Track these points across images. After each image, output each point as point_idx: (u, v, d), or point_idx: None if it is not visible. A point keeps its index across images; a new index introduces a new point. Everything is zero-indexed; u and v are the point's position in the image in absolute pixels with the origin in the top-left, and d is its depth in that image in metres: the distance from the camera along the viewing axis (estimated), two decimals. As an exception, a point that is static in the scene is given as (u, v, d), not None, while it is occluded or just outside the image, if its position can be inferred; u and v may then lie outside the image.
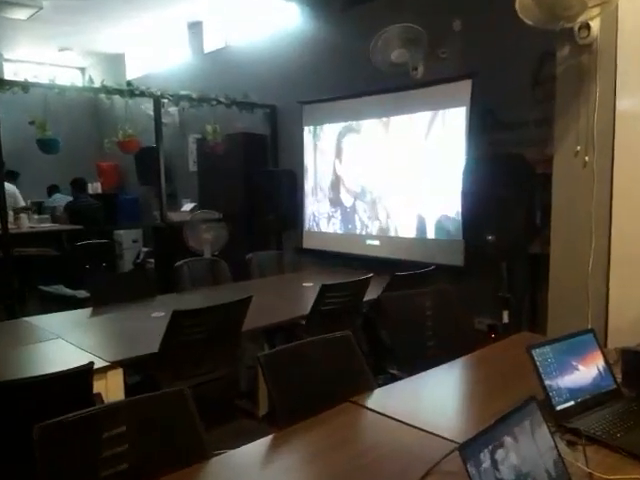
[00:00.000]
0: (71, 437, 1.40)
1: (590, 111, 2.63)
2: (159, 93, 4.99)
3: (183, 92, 5.15)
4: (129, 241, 7.35)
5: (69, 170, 6.86)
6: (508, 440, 1.15)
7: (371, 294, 3.29)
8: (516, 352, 2.07)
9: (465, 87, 3.88)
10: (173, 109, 6.54)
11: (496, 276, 3.46)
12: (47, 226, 5.99)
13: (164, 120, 5.79)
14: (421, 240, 4.30)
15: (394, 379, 2.10)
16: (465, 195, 3.41)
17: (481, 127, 3.92)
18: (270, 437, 1.59)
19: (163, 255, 5.78)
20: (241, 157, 5.78)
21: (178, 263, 3.92)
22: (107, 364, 2.31)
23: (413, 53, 4.08)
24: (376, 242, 4.65)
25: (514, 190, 3.17)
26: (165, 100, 5.17)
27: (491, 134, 3.89)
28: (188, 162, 6.92)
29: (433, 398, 1.87)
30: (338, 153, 4.96)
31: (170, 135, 6.61)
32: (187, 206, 6.52)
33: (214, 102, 5.23)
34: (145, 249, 7.23)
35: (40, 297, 5.08)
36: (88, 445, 1.42)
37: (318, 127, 5.14)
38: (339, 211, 4.98)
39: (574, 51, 2.64)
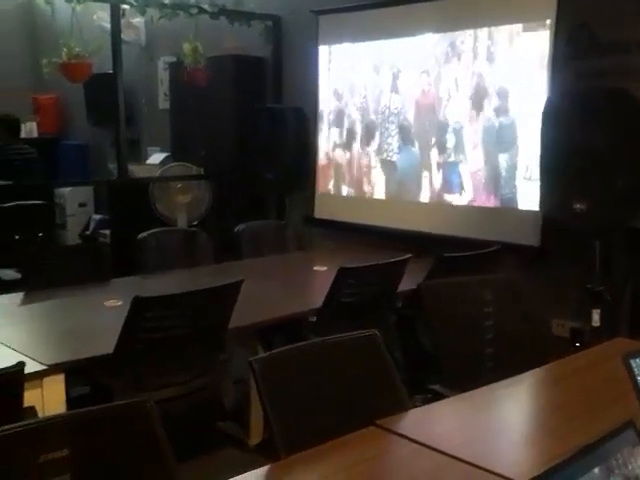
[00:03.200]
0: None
1: None
2: (118, -3, 4.98)
3: (152, -4, 5.13)
4: (75, 205, 7.42)
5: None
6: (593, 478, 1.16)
7: (408, 282, 3.31)
8: (609, 365, 2.07)
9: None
10: (138, 20, 6.52)
11: (586, 261, 3.45)
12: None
13: (125, 37, 5.79)
14: (479, 209, 4.29)
15: (436, 399, 2.12)
16: (546, 147, 3.38)
17: (570, 51, 3.87)
18: (265, 469, 1.62)
19: (121, 224, 5.84)
20: (231, 89, 5.77)
21: (142, 235, 3.96)
22: (44, 368, 2.34)
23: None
24: (415, 210, 4.65)
25: (614, 140, 3.14)
26: (126, 7, 5.15)
27: (583, 61, 3.84)
28: (157, 96, 6.93)
29: (490, 424, 1.89)
30: (369, 84, 4.93)
31: (133, 58, 6.61)
32: (155, 157, 6.55)
33: (195, 10, 5.20)
34: (97, 217, 7.30)
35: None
36: (18, 472, 1.46)
37: (340, 46, 5.11)
38: (366, 167, 4.97)
39: None
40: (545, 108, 3.44)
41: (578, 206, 3.23)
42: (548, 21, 3.87)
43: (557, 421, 1.88)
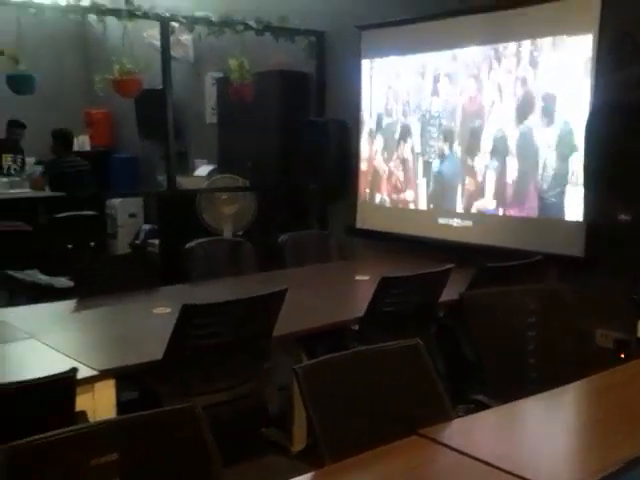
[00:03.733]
0: (50, 463, 1.46)
1: None
2: (168, 15, 5.06)
3: (199, 14, 5.19)
4: (125, 215, 7.54)
5: (48, 117, 7.06)
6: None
7: (450, 292, 3.27)
8: (655, 377, 2.02)
9: (591, 4, 3.80)
10: (186, 37, 6.61)
11: (631, 272, 3.38)
12: (17, 192, 6.18)
13: (174, 53, 5.88)
14: (522, 219, 4.24)
15: (479, 409, 2.09)
16: (589, 157, 3.33)
17: (613, 61, 3.80)
18: (308, 476, 1.61)
19: (170, 234, 5.91)
20: (276, 103, 5.80)
21: (189, 245, 4.00)
22: (95, 374, 2.38)
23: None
24: (456, 221, 4.61)
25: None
26: (175, 25, 5.23)
27: (627, 71, 3.78)
28: (205, 110, 7.01)
29: (533, 435, 1.86)
30: (412, 97, 4.92)
31: (182, 74, 6.70)
32: (202, 169, 6.62)
33: (241, 27, 5.26)
34: (147, 226, 7.41)
35: (7, 285, 5.28)
36: (71, 475, 1.48)
37: (383, 60, 5.10)
38: (407, 179, 4.95)
39: None
40: (588, 118, 3.39)
41: (623, 216, 3.17)
42: (591, 32, 3.82)
43: (601, 433, 1.83)
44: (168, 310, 3.08)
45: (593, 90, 3.79)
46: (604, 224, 3.34)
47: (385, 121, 5.10)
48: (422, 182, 4.85)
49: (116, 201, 7.49)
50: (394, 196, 5.06)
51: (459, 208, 4.61)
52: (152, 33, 6.19)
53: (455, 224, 4.62)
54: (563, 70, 3.98)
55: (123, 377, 2.50)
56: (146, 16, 4.96)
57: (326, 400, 1.82)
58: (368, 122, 5.22)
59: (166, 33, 5.17)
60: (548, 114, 4.07)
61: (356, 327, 3.13)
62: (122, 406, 2.48)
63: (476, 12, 4.42)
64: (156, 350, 2.52)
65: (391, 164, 5.06)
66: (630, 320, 3.31)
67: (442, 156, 4.71)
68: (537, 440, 1.81)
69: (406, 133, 4.95)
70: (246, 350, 2.73)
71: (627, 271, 3.43)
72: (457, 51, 4.58)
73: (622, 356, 3.42)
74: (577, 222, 3.83)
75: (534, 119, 4.15)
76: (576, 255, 3.87)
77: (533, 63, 4.15)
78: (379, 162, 5.15)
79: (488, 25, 4.40)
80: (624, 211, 3.17)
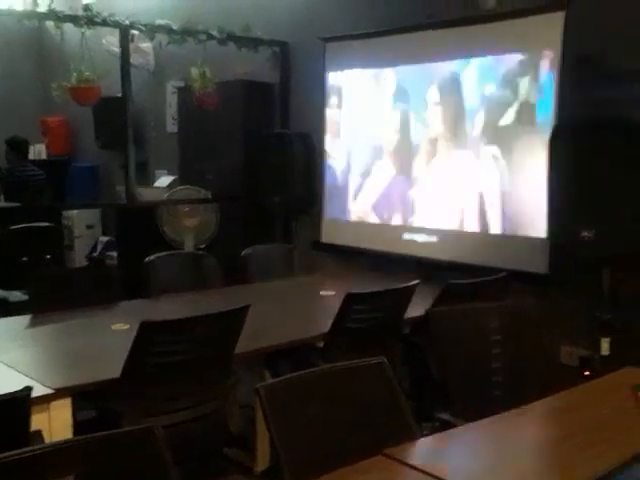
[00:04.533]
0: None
1: None
2: (127, 22, 5.04)
3: (160, 21, 5.18)
4: (82, 227, 7.46)
5: (2, 125, 6.96)
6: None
7: (416, 309, 3.30)
8: (619, 395, 2.07)
9: (555, 23, 3.86)
10: (146, 45, 6.59)
11: (594, 289, 3.44)
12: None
13: (134, 61, 5.85)
14: (486, 236, 4.30)
15: (444, 427, 2.11)
16: (552, 174, 3.39)
17: (577, 80, 3.89)
18: (272, 498, 1.61)
19: (129, 247, 5.85)
20: (239, 114, 5.81)
21: (149, 258, 3.97)
22: (50, 392, 2.35)
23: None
24: (421, 237, 4.66)
25: (625, 168, 3.15)
26: (135, 32, 5.20)
27: (592, 90, 3.86)
28: (165, 120, 6.98)
29: (500, 454, 1.88)
30: (373, 109, 4.97)
31: (142, 82, 6.68)
32: (163, 180, 6.59)
33: (203, 36, 5.26)
34: (104, 238, 7.33)
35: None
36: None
37: (347, 72, 5.15)
38: (373, 194, 4.99)
39: None
40: (552, 135, 3.45)
41: (586, 234, 3.23)
42: (552, 51, 3.89)
43: (567, 452, 1.86)
44: (127, 326, 3.05)
45: (556, 109, 3.86)
46: (567, 241, 3.40)
47: (349, 134, 5.14)
48: (387, 197, 4.89)
49: (73, 212, 7.40)
50: (360, 211, 5.09)
51: (424, 224, 4.65)
52: (111, 39, 6.15)
53: (420, 240, 4.67)
54: (527, 84, 4.05)
55: (80, 396, 2.48)
56: (105, 23, 4.94)
57: (289, 420, 1.82)
58: (332, 135, 5.26)
59: (125, 40, 5.14)
60: (514, 126, 4.14)
61: (320, 345, 3.14)
62: (79, 426, 2.45)
63: (443, 27, 4.48)
64: (114, 368, 2.50)
65: (356, 178, 5.10)
66: (594, 337, 3.37)
67: (407, 171, 4.75)
68: (502, 459, 1.84)
69: (371, 147, 4.99)
70: (207, 368, 2.71)
71: (590, 288, 3.49)
72: (423, 65, 4.64)
73: (586, 373, 3.48)
74: (541, 239, 3.89)
75: (498, 132, 4.22)
76: (540, 272, 3.93)
77: (497, 77, 4.22)
78: (344, 176, 5.19)
79: (455, 40, 4.46)
80: (587, 228, 3.23)
